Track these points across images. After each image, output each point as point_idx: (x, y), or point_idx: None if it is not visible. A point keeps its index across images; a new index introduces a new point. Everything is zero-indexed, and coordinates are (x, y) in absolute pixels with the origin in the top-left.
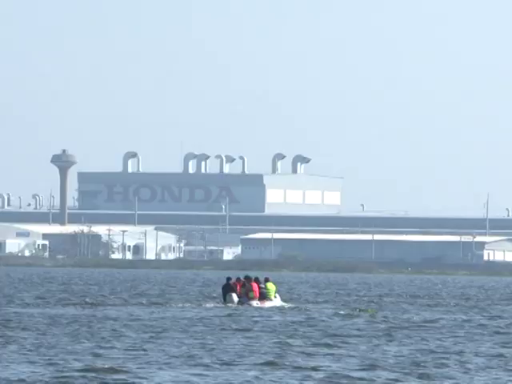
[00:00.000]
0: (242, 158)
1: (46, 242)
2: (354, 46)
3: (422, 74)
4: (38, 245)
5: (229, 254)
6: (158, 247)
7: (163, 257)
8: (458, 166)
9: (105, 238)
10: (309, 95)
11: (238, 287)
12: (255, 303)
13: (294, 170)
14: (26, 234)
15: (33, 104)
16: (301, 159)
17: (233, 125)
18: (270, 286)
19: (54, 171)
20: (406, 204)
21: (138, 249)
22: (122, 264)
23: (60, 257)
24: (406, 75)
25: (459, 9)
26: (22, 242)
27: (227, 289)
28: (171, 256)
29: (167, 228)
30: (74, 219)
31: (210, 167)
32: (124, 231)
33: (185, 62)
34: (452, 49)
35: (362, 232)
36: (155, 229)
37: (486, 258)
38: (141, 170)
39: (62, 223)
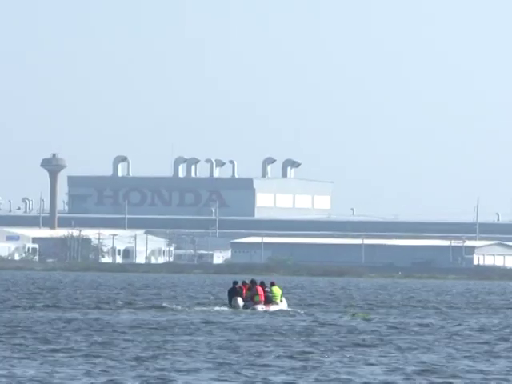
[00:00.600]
0: (232, 162)
1: (36, 246)
2: (343, 49)
3: (412, 79)
4: (28, 248)
5: (218, 258)
6: (148, 251)
7: (153, 261)
8: (448, 171)
9: (95, 242)
10: (299, 99)
11: (244, 291)
12: (260, 307)
13: (284, 174)
14: (15, 238)
15: (23, 107)
16: (291, 163)
17: (223, 129)
18: (276, 290)
19: (44, 175)
20: (396, 208)
21: (127, 253)
22: (112, 268)
23: (50, 260)
24: (396, 80)
25: (458, 10)
26: (12, 245)
27: (233, 293)
28: (161, 260)
29: (157, 232)
30: (64, 223)
31: (200, 171)
32: (114, 235)
33: (175, 65)
34: (444, 53)
35: (352, 236)
36: (145, 233)
37: (475, 262)
38: (131, 173)
39: (52, 227)
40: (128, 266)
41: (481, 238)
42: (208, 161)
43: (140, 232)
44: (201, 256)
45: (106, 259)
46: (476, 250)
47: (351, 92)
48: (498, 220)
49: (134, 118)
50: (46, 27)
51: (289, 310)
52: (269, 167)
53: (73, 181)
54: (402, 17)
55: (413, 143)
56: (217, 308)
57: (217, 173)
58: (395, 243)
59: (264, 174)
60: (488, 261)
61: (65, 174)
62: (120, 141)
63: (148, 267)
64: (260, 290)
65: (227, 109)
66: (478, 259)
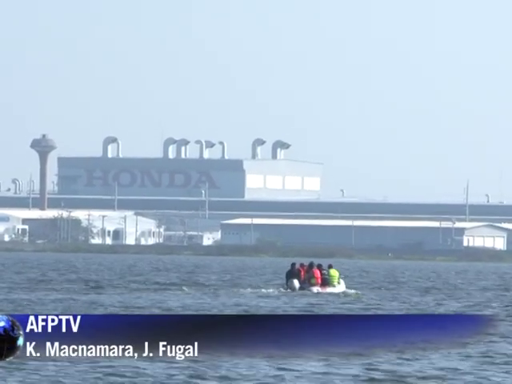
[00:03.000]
0: (221, 143)
1: (26, 227)
2: (334, 33)
3: (401, 64)
4: (18, 229)
5: (208, 239)
6: (138, 232)
7: (143, 242)
8: (437, 152)
9: (84, 223)
10: (289, 81)
11: (303, 273)
12: (315, 289)
13: (274, 156)
14: (5, 219)
15: (12, 88)
16: (281, 145)
17: (213, 110)
18: (333, 273)
19: (34, 156)
20: (386, 190)
21: (117, 234)
22: (102, 249)
23: (40, 242)
24: (385, 64)
25: (457, 12)
26: (2, 226)
27: (291, 274)
28: (151, 241)
29: (147, 213)
30: (54, 204)
31: (190, 152)
32: (104, 216)
33: (165, 47)
34: (434, 42)
35: (342, 218)
36: (135, 214)
37: (465, 243)
38: (121, 155)
39: (42, 208)
40: (118, 247)
41: (470, 220)
42: (198, 142)
43: (130, 213)
44: (190, 237)
45: (96, 240)
46: (466, 232)
47: (341, 74)
48: (488, 201)
49: (124, 99)
50: (36, 11)
51: (349, 291)
52: (259, 148)
53: (63, 162)
54: (394, 12)
55: (402, 125)
56: (268, 290)
57: (207, 154)
58: (385, 225)
59: (254, 156)
60: (478, 242)
61: (55, 155)
62: (110, 122)
63: (138, 248)
64: (317, 272)
65: (217, 90)
66: (468, 241)
